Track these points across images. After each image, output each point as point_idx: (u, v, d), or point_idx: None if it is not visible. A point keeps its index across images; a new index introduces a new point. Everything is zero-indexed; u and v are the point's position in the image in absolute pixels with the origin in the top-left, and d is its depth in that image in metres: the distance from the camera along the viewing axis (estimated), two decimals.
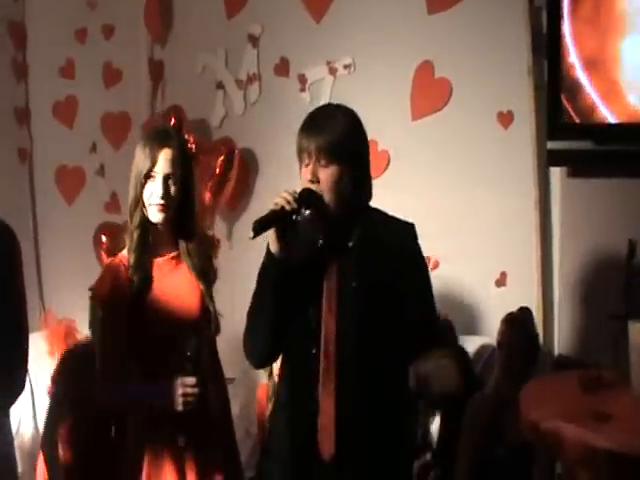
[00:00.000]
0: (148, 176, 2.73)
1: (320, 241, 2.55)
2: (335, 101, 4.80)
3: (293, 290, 2.47)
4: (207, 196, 4.96)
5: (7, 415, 2.53)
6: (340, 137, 2.49)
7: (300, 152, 2.52)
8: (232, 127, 5.15)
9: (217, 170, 4.96)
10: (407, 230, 2.62)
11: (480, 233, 4.32)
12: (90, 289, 2.91)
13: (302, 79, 4.91)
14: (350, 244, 2.53)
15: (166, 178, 2.72)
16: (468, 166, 4.36)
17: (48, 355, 4.37)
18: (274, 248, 2.45)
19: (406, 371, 2.60)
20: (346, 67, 4.76)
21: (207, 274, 2.88)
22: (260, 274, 2.53)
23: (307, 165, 2.50)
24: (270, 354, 2.65)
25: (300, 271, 2.49)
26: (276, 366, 4.10)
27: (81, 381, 3.32)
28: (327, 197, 2.48)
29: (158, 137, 2.80)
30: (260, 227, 2.39)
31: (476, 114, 4.35)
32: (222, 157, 4.96)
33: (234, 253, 4.98)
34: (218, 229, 5.07)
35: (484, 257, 4.31)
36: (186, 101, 5.22)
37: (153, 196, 2.73)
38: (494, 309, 4.03)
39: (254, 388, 4.36)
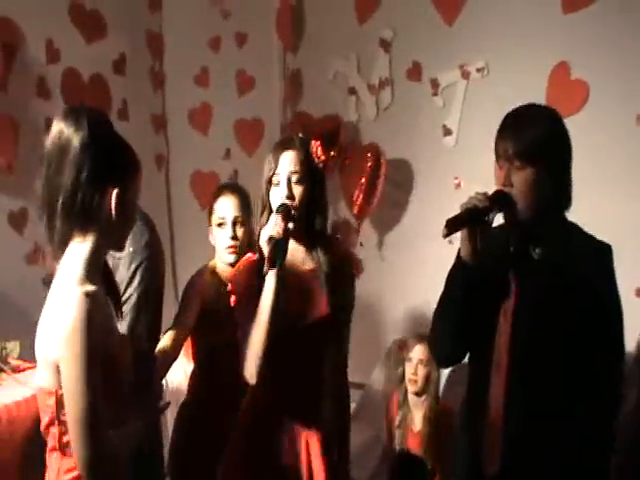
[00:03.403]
0: (272, 181, 2.71)
1: (511, 248, 2.45)
2: (467, 105, 4.82)
3: (481, 296, 2.37)
4: (357, 203, 4.96)
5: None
6: (537, 138, 2.37)
7: (496, 154, 2.43)
8: (365, 132, 5.16)
9: (365, 177, 4.92)
10: (602, 251, 2.48)
11: (617, 242, 4.17)
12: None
13: (434, 83, 4.87)
14: (535, 253, 2.42)
15: (289, 178, 2.68)
16: (607, 171, 4.21)
17: (184, 354, 4.43)
18: (465, 253, 2.35)
19: (582, 392, 2.37)
20: (479, 70, 4.70)
21: (343, 307, 2.75)
22: (449, 277, 2.44)
23: (501, 167, 2.41)
24: (454, 356, 2.58)
25: (488, 277, 2.38)
26: (408, 371, 4.10)
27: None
28: (520, 201, 2.37)
29: (281, 143, 2.81)
30: (454, 225, 2.29)
31: (615, 117, 4.22)
32: (370, 163, 4.92)
33: (385, 264, 4.99)
34: (368, 237, 5.08)
35: (621, 266, 4.16)
36: (318, 107, 5.29)
37: (278, 199, 2.68)
38: (633, 321, 3.87)
39: (385, 395, 4.34)
